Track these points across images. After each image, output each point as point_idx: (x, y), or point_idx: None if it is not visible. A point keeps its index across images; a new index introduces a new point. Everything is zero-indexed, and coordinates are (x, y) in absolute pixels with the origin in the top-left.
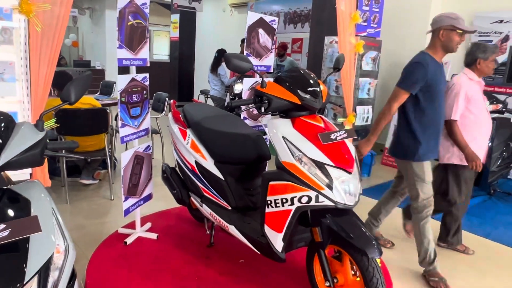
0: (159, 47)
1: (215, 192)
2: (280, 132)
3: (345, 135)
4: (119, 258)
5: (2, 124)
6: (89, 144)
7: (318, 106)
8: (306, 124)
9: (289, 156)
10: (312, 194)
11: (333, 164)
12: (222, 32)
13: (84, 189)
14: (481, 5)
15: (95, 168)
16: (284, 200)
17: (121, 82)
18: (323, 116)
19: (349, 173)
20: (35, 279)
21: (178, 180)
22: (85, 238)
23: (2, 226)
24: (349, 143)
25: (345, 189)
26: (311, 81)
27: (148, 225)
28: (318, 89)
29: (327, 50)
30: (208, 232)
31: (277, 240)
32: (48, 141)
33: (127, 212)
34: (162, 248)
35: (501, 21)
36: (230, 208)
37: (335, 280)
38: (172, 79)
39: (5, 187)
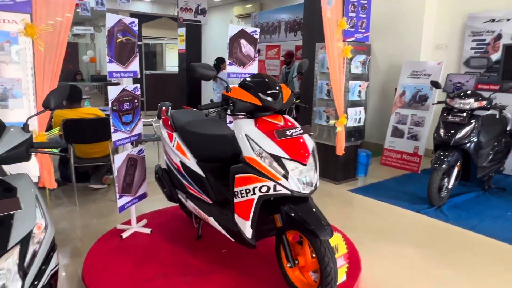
0: (172, 60)
1: (197, 188)
2: (243, 130)
3: (301, 131)
4: (114, 249)
5: None
6: (95, 151)
7: (278, 107)
8: (266, 123)
9: (250, 151)
10: (271, 184)
11: (288, 157)
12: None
13: (94, 193)
14: (474, 5)
15: (103, 173)
16: (248, 191)
17: (112, 92)
18: (286, 116)
19: (304, 164)
20: (17, 247)
21: (168, 179)
22: (89, 235)
23: None
24: (307, 138)
25: (300, 179)
26: (271, 85)
27: (144, 221)
28: (277, 92)
29: (317, 56)
30: (196, 226)
31: (246, 227)
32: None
33: (122, 208)
34: (154, 241)
35: (493, 20)
36: (210, 202)
37: (296, 262)
38: (181, 89)
39: None
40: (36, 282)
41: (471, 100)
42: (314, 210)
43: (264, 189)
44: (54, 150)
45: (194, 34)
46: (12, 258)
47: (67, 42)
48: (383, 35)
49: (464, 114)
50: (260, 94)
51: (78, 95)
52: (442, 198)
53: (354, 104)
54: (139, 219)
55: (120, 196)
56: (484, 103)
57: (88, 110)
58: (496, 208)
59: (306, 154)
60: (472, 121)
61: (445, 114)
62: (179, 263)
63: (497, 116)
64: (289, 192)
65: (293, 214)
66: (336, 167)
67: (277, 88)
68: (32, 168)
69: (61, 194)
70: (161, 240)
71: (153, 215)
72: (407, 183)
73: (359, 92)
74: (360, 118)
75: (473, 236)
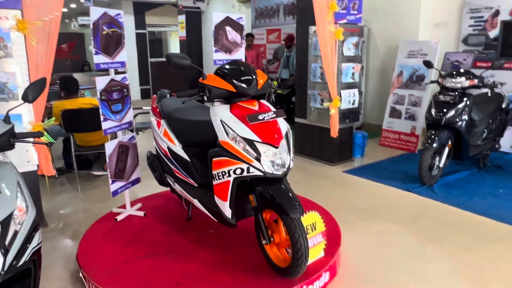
0: (177, 47)
1: (183, 172)
2: (218, 116)
3: (274, 115)
4: (108, 232)
5: None
6: (94, 139)
7: (252, 92)
8: (241, 108)
9: (224, 136)
10: (244, 166)
11: (260, 140)
12: None
13: (95, 180)
14: None
15: (104, 161)
16: (224, 173)
17: (100, 82)
18: (262, 101)
19: (276, 147)
20: None
21: (158, 164)
22: (88, 219)
23: None
24: (281, 122)
25: (272, 161)
26: (246, 72)
27: (139, 205)
28: (251, 78)
29: (311, 39)
30: (186, 208)
31: (225, 208)
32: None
33: (115, 193)
34: (146, 223)
35: None
36: (196, 185)
37: (272, 239)
38: (183, 77)
39: None
40: (18, 259)
41: (462, 78)
42: (285, 189)
43: (238, 171)
44: (49, 139)
45: (194, 21)
46: None
47: (57, 36)
48: (381, 16)
49: (455, 93)
50: (234, 80)
51: (75, 86)
52: (433, 176)
53: (348, 86)
54: (134, 203)
55: (113, 182)
56: (475, 81)
57: (85, 100)
58: (488, 185)
59: (278, 137)
60: (464, 99)
61: (437, 93)
62: (167, 243)
63: (489, 94)
64: (261, 174)
65: (265, 194)
66: (331, 149)
67: (252, 74)
68: (33, 157)
69: (65, 181)
70: (153, 222)
71: (148, 199)
72: (402, 163)
73: (353, 74)
74: (354, 100)
75: (459, 213)
